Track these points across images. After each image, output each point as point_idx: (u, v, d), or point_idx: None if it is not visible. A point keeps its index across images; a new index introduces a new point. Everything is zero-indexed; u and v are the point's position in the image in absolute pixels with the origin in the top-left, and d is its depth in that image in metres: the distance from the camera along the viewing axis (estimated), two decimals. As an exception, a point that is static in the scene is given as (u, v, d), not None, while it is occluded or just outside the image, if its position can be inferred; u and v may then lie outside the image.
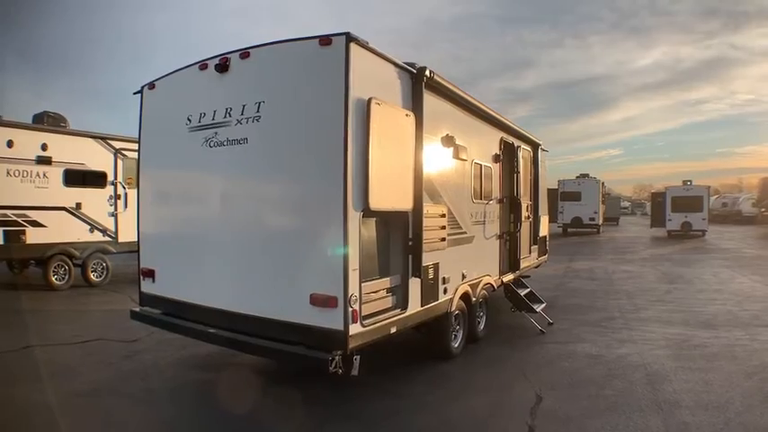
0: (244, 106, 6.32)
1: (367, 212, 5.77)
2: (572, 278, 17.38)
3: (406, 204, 6.42)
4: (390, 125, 6.11)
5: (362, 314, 5.77)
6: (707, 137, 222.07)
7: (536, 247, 12.70)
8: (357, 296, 5.63)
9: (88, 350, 8.62)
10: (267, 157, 6.21)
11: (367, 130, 5.68)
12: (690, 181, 37.31)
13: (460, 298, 8.19)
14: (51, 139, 13.46)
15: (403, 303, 6.57)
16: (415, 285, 6.78)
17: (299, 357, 5.73)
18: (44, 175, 13.23)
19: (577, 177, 39.62)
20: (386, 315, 6.24)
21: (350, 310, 5.53)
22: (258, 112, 6.21)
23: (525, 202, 11.30)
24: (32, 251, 13.23)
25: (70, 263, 13.96)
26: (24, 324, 10.08)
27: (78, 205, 13.91)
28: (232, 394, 6.64)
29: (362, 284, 5.77)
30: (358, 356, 5.79)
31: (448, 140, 7.63)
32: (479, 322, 9.33)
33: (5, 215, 12.59)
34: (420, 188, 6.61)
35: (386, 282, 6.41)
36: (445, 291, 7.67)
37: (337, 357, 5.46)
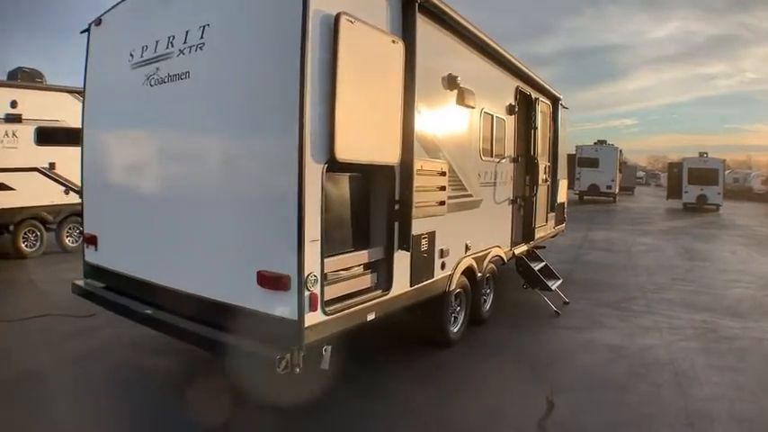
0: (187, 32, 4.84)
1: (334, 165, 4.24)
2: (589, 250, 15.76)
3: (390, 157, 4.86)
4: (369, 52, 4.53)
5: (325, 298, 4.29)
6: (718, 112, 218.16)
7: (553, 214, 10.93)
8: (317, 275, 4.13)
9: (37, 327, 7.27)
10: (209, 95, 4.73)
11: (334, 55, 4.12)
12: (706, 153, 34.95)
13: (462, 273, 6.66)
14: (22, 95, 11.87)
15: (386, 283, 5.06)
16: (402, 260, 5.25)
17: (239, 352, 4.26)
18: (13, 134, 11.65)
19: (595, 143, 37.39)
20: (361, 299, 4.75)
21: (306, 293, 4.05)
22: (202, 38, 4.73)
23: (543, 163, 9.56)
24: None
25: (42, 228, 12.50)
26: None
27: (52, 165, 12.34)
28: (180, 385, 5.34)
29: (326, 260, 4.28)
30: (329, 347, 4.38)
31: (451, 82, 6.03)
32: (485, 301, 7.81)
33: None
34: (411, 137, 5.05)
35: (362, 256, 4.89)
36: (443, 266, 6.13)
37: (287, 356, 4.00)
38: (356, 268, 4.82)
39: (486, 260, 7.41)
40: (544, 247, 10.90)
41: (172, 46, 4.99)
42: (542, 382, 5.78)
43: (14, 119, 11.63)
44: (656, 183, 73.34)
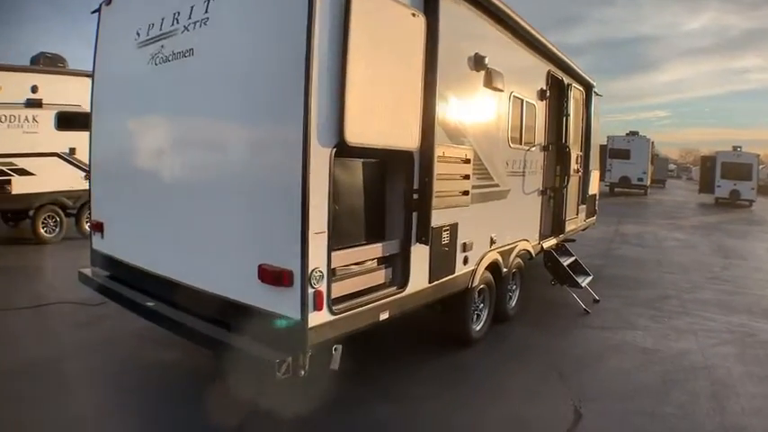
0: (192, 7, 4.44)
1: (345, 150, 3.80)
2: (620, 244, 15.10)
3: (408, 142, 4.40)
4: (386, 25, 4.07)
5: (333, 296, 3.86)
6: (752, 106, 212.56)
7: (584, 206, 10.31)
8: (323, 271, 3.70)
9: (45, 316, 6.99)
10: (211, 73, 4.32)
11: (346, 27, 3.66)
12: (740, 147, 33.45)
13: (487, 269, 6.17)
14: (43, 80, 11.58)
15: (402, 279, 4.61)
16: (420, 254, 4.79)
17: (235, 352, 3.86)
18: (33, 119, 11.38)
19: (627, 135, 36.09)
20: (373, 296, 4.30)
21: (311, 290, 3.63)
22: (206, 12, 4.32)
23: (575, 153, 8.95)
24: (18, 202, 11.43)
25: (62, 213, 12.20)
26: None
27: (72, 150, 12.03)
28: (180, 382, 5.04)
29: (334, 254, 3.86)
30: (339, 346, 3.99)
31: (477, 62, 5.53)
32: (511, 297, 7.32)
33: None
34: (432, 121, 4.60)
35: (376, 249, 4.45)
36: (465, 260, 5.65)
37: (289, 360, 3.59)
38: (369, 263, 4.38)
39: (513, 254, 6.91)
40: (574, 241, 10.32)
41: (177, 22, 4.60)
42: (570, 388, 5.30)
43: (35, 104, 11.36)
44: (688, 176, 71.52)
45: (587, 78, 9.69)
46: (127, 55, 5.20)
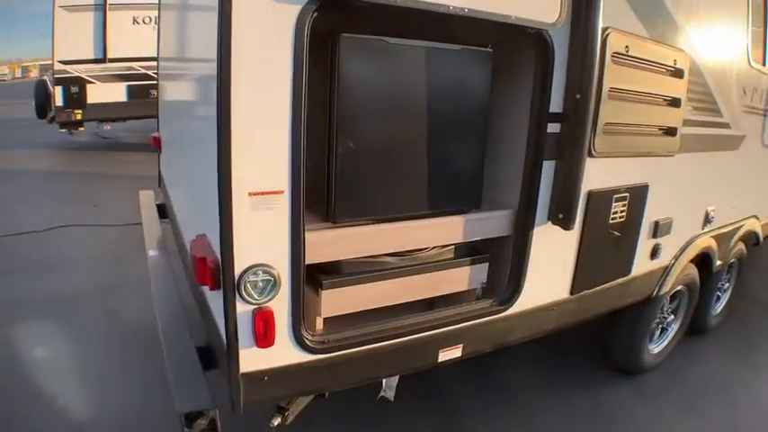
0: None
1: (351, 9, 1.51)
2: None
3: (533, 8, 1.86)
4: None
5: (328, 314, 1.80)
6: None
7: None
8: (275, 273, 1.53)
9: (118, 238, 5.62)
10: None
11: None
12: None
13: (692, 261, 3.39)
14: None
15: (509, 287, 2.19)
16: (555, 241, 2.27)
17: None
18: None
19: None
20: (434, 317, 1.96)
21: (244, 308, 1.52)
22: None
23: None
24: None
25: None
26: (92, 193, 7.39)
27: None
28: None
29: (340, 232, 1.75)
30: None
31: None
32: (718, 299, 4.30)
33: (131, 68, 9.60)
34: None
35: (452, 228, 2.08)
36: (655, 252, 2.94)
37: (213, 414, 1.61)
38: (432, 252, 2.06)
39: (735, 239, 3.93)
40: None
41: None
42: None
43: None
44: None
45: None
46: None
